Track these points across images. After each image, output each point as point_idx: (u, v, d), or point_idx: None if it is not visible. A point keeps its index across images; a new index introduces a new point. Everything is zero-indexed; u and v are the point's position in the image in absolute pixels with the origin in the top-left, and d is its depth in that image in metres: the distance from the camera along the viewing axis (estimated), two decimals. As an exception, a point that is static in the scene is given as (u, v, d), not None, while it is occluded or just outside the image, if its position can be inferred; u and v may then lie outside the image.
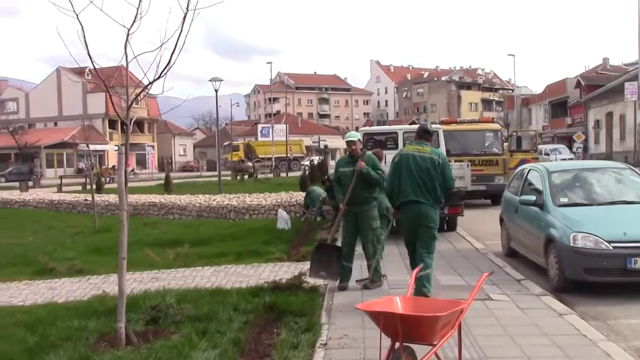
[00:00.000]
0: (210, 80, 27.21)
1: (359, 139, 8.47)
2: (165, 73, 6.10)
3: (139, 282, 9.53)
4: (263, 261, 10.68)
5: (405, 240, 7.49)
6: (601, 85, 51.80)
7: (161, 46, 6.17)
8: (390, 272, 8.93)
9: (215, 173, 54.34)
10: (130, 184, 37.75)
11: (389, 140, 14.87)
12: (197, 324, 6.47)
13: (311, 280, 8.50)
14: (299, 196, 20.55)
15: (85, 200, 26.18)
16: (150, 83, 6.33)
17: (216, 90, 27.25)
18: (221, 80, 27.39)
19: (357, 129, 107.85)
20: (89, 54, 5.94)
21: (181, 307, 7.00)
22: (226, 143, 71.52)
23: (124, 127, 6.16)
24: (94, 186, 20.72)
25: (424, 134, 7.54)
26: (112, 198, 25.85)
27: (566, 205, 8.45)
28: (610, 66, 67.81)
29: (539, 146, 23.06)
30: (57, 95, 77.41)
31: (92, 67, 6.42)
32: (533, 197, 8.88)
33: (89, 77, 77.96)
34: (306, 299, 7.42)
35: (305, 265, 9.94)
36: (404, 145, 14.15)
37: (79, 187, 39.15)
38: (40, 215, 23.80)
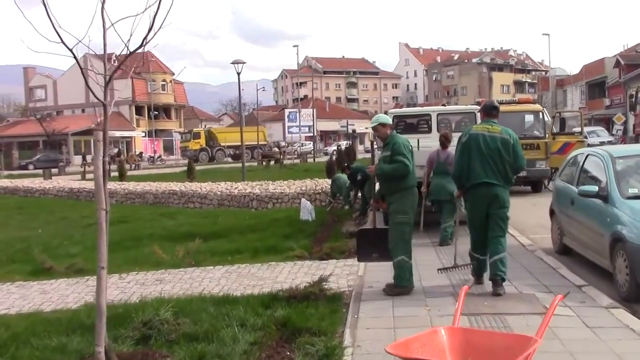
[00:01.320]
0: (232, 63, 26.06)
1: (381, 123, 7.27)
2: (149, 41, 4.89)
3: (141, 284, 8.47)
4: (281, 259, 9.54)
5: (472, 224, 7.10)
6: (642, 65, 49.49)
7: (145, 10, 4.97)
8: (425, 276, 7.71)
9: (245, 158, 53.65)
10: (154, 171, 37.11)
11: (421, 123, 13.54)
12: (195, 345, 5.34)
13: (334, 285, 7.33)
14: (325, 183, 19.37)
15: (105, 188, 25.35)
16: (131, 53, 5.15)
17: (238, 73, 26.12)
18: (244, 63, 26.23)
19: (386, 113, 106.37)
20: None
21: (178, 323, 5.88)
22: (186, 130, 67.86)
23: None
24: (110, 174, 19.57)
25: (492, 111, 7.14)
26: (132, 186, 25.05)
27: (636, 197, 7.10)
28: (650, 44, 64.95)
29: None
30: (83, 82, 76.95)
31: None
32: (595, 188, 7.53)
33: (115, 63, 77.45)
34: (327, 311, 6.24)
35: (328, 265, 8.79)
36: (438, 129, 12.94)
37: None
38: (58, 205, 23.05)
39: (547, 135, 17.64)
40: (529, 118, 18.26)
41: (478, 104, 18.45)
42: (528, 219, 12.59)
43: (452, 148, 9.67)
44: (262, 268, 8.91)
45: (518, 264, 8.25)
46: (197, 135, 63.47)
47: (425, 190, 10.28)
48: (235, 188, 21.34)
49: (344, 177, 16.41)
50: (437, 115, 13.32)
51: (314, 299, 6.56)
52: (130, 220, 16.50)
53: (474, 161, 6.83)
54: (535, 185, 17.95)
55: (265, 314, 6.15)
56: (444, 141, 10.58)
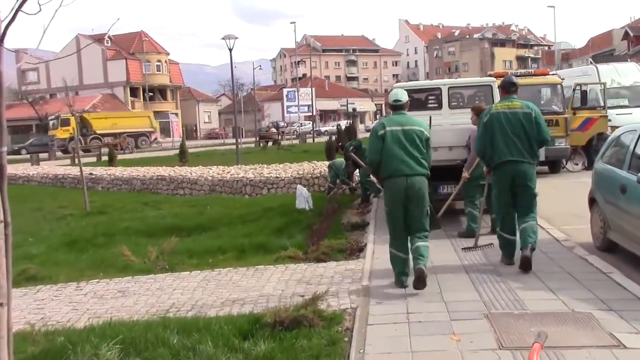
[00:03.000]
0: (223, 39, 24.39)
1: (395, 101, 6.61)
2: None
3: (100, 297, 6.98)
4: (271, 261, 8.05)
5: (499, 203, 7.02)
6: (651, 36, 47.67)
7: None
8: (447, 286, 6.21)
9: (243, 140, 52.02)
10: (147, 154, 35.54)
11: (430, 98, 11.93)
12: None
13: (333, 301, 5.85)
14: (324, 166, 17.84)
15: (90, 174, 23.87)
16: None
17: (230, 49, 24.44)
18: (236, 38, 24.53)
19: (386, 91, 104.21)
20: None
21: (124, 367, 4.42)
22: (52, 117, 55.66)
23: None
24: (80, 160, 18.09)
25: (511, 87, 7.05)
26: (119, 171, 23.53)
27: None
28: (658, 16, 62.95)
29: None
30: (77, 64, 75.22)
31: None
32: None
33: (109, 44, 75.82)
34: (323, 342, 4.76)
35: (326, 270, 7.30)
36: (449, 104, 11.39)
37: (94, 159, 36.98)
38: (38, 193, 21.56)
39: (566, 110, 16.05)
40: (546, 91, 16.65)
41: (490, 76, 16.88)
42: (554, 205, 11.05)
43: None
44: (247, 274, 7.41)
45: (557, 267, 6.74)
46: (65, 122, 51.04)
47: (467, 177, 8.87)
48: (228, 172, 19.82)
49: (339, 160, 15.00)
50: (449, 88, 11.62)
51: (307, 324, 5.07)
52: (109, 210, 15.01)
53: (497, 140, 6.77)
54: (554, 165, 16.41)
55: (242, 349, 4.66)
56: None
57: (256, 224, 11.58)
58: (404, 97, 6.58)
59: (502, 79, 7.60)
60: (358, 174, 14.16)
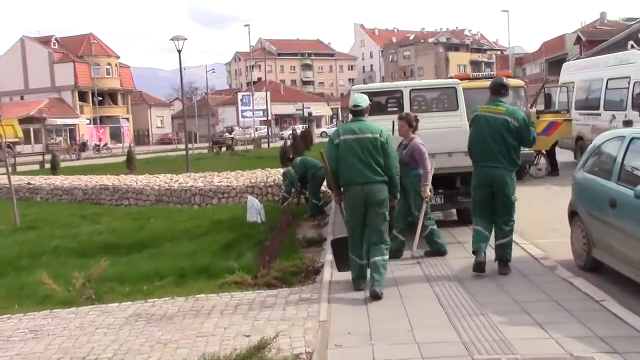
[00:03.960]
0: (171, 40, 23.15)
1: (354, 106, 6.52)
2: None
3: (5, 340, 5.82)
4: (215, 288, 7.02)
5: (475, 207, 6.86)
6: (602, 41, 48.04)
7: None
8: (419, 321, 5.29)
9: (196, 145, 50.38)
10: (95, 161, 33.84)
11: (391, 101, 11.08)
12: None
13: (284, 344, 4.87)
14: (278, 174, 16.83)
15: (28, 184, 22.34)
16: None
17: (179, 51, 23.20)
18: (185, 39, 23.29)
19: (342, 95, 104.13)
20: None
21: None
22: None
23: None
24: (10, 169, 16.67)
25: (500, 90, 6.77)
26: (60, 181, 22.04)
27: None
28: (607, 21, 63.91)
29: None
30: (22, 67, 72.44)
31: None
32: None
33: (56, 47, 73.13)
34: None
35: (277, 300, 6.31)
36: (410, 109, 10.56)
37: (37, 167, 35.11)
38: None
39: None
40: (510, 94, 15.99)
41: (451, 78, 16.16)
42: (524, 215, 10.26)
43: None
44: (185, 306, 6.35)
45: (542, 294, 5.90)
46: None
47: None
48: (176, 181, 18.63)
49: (300, 167, 14.01)
50: (410, 91, 10.75)
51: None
52: (42, 225, 13.68)
53: (477, 143, 6.70)
54: (520, 171, 15.75)
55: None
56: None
57: (202, 240, 10.52)
58: (364, 102, 6.43)
59: (492, 80, 7.24)
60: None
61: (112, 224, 13.04)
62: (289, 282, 7.26)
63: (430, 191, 7.78)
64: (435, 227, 7.89)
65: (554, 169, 16.40)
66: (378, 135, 6.20)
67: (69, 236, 11.59)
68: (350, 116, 6.58)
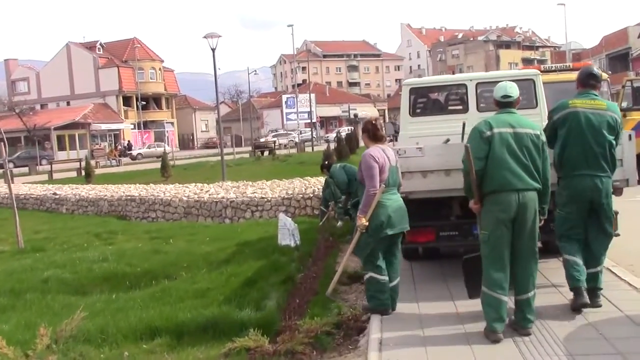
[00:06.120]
0: (204, 37, 21.46)
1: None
2: None
3: None
4: (218, 358, 5.06)
5: (567, 228, 5.43)
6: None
7: None
8: None
9: (240, 149, 48.85)
10: (137, 167, 32.55)
11: (452, 97, 8.98)
12: None
13: None
14: (319, 184, 14.87)
15: (54, 194, 21.00)
16: None
17: (213, 49, 21.50)
18: (219, 37, 21.59)
19: (389, 96, 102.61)
20: None
21: None
22: None
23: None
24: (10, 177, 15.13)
25: (590, 81, 5.54)
26: (86, 191, 20.62)
27: None
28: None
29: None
30: (68, 73, 72.52)
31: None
32: None
33: (100, 52, 72.91)
34: None
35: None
36: (477, 106, 8.47)
37: (74, 174, 34.03)
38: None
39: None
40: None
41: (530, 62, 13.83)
42: (623, 238, 7.97)
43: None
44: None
45: None
46: None
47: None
48: (207, 192, 16.94)
49: (340, 175, 11.64)
50: (477, 85, 8.59)
51: None
52: (48, 246, 12.06)
53: (574, 146, 5.38)
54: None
55: None
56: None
57: (222, 270, 8.60)
58: (515, 92, 5.15)
59: (580, 69, 6.02)
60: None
61: (125, 246, 11.30)
62: (321, 343, 5.27)
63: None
64: (379, 275, 5.62)
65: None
66: (539, 133, 5.07)
67: (69, 264, 9.78)
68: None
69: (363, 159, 5.64)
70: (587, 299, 5.22)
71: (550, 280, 6.27)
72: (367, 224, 5.50)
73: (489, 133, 4.95)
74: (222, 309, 6.04)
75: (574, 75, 13.47)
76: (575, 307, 5.27)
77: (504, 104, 5.14)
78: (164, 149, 40.49)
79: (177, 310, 6.25)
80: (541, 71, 13.95)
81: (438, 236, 6.66)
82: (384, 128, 5.95)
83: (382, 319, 5.50)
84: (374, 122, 5.86)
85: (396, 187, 5.77)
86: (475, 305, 5.48)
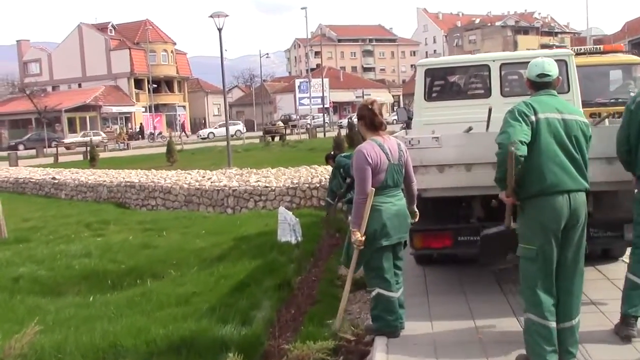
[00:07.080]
0: (210, 17, 20.50)
1: None
2: None
3: None
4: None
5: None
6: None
7: None
8: None
9: (252, 134, 47.93)
10: (145, 151, 31.69)
11: (472, 80, 8.01)
12: None
13: None
14: (326, 172, 13.92)
15: (53, 178, 20.25)
16: None
17: (219, 29, 20.53)
18: (226, 16, 20.64)
19: (404, 82, 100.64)
20: None
21: None
22: None
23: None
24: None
25: None
26: (85, 176, 19.86)
27: None
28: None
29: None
30: (79, 55, 71.83)
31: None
32: None
33: (112, 34, 72.13)
34: None
35: None
36: (501, 90, 7.54)
37: (80, 157, 33.38)
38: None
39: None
40: (616, 75, 12.52)
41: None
42: None
43: None
44: None
45: None
46: None
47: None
48: (209, 179, 16.08)
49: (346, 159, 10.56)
50: (501, 66, 7.60)
51: None
52: (33, 237, 11.25)
53: None
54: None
55: None
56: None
57: (212, 270, 7.73)
58: (554, 69, 4.17)
59: None
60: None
61: (114, 238, 10.46)
62: (316, 370, 4.39)
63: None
64: (388, 292, 4.69)
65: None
66: (589, 122, 4.25)
67: (48, 259, 8.96)
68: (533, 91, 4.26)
69: (355, 157, 4.64)
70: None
71: (589, 297, 5.32)
72: (362, 238, 4.52)
73: (533, 118, 3.95)
74: (201, 323, 5.15)
75: (602, 59, 12.54)
76: (626, 336, 4.32)
77: (541, 85, 4.15)
78: (169, 135, 39.51)
79: (151, 322, 5.37)
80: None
81: (456, 241, 5.69)
82: (390, 112, 4.98)
83: (389, 342, 4.61)
84: (370, 106, 4.72)
85: (399, 187, 4.74)
86: (497, 325, 4.59)
